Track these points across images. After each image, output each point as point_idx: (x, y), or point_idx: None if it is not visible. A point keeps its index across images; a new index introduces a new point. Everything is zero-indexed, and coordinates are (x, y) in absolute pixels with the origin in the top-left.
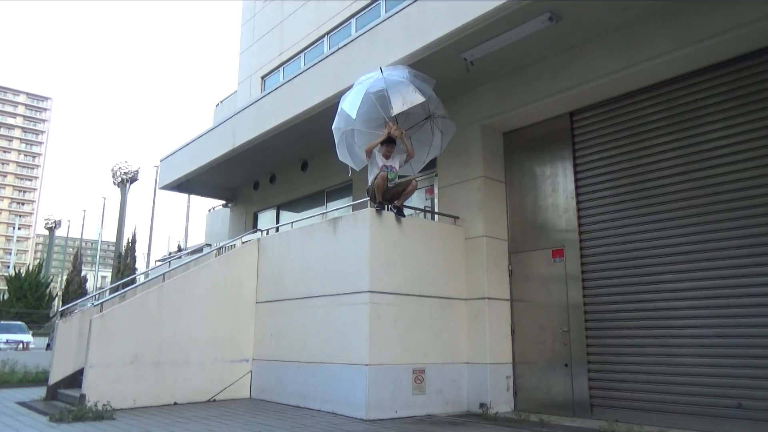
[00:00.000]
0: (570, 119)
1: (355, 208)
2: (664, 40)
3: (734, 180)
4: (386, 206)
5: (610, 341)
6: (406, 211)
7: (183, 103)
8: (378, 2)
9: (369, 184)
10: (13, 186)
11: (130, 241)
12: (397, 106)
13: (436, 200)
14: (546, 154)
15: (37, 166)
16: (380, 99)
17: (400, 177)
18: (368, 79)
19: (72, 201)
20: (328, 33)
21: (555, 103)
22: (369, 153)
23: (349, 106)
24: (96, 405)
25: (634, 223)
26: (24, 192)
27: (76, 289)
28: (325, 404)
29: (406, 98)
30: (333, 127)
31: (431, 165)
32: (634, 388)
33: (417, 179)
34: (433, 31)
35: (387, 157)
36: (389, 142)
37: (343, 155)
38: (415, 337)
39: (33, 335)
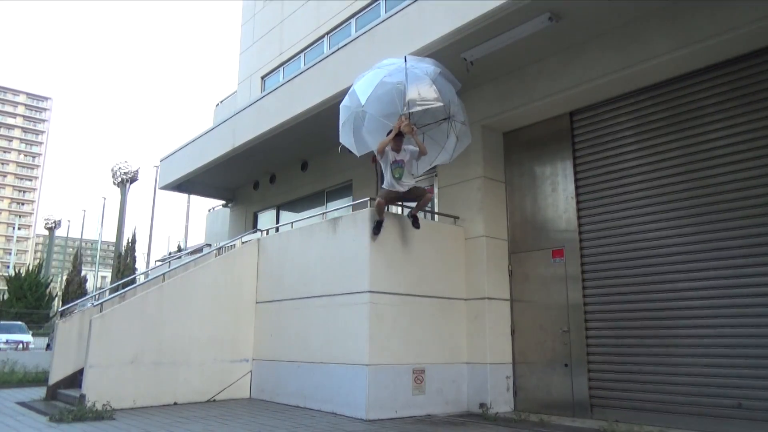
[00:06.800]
0: (570, 119)
1: (355, 208)
2: (664, 40)
3: (734, 180)
4: (382, 225)
5: (610, 341)
6: (405, 211)
7: (183, 103)
8: (378, 2)
9: (381, 182)
10: (13, 186)
11: (130, 241)
12: (412, 105)
13: (436, 200)
14: (546, 154)
15: (37, 166)
16: (398, 90)
17: (412, 177)
18: (390, 65)
19: (72, 201)
20: (328, 33)
21: (555, 103)
22: (382, 152)
23: (362, 89)
24: (96, 405)
25: (634, 223)
26: (24, 192)
27: (76, 289)
28: (325, 404)
29: (424, 97)
30: (341, 104)
31: None
32: (634, 388)
33: (428, 188)
34: (433, 31)
35: (397, 150)
36: (399, 136)
37: (346, 137)
38: (415, 337)
39: (33, 335)
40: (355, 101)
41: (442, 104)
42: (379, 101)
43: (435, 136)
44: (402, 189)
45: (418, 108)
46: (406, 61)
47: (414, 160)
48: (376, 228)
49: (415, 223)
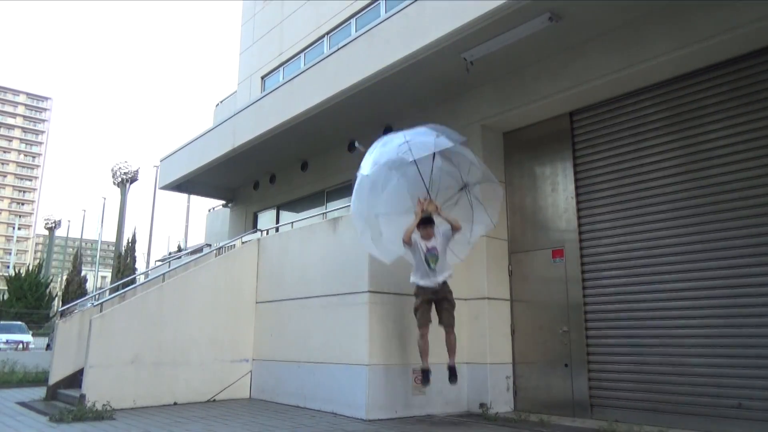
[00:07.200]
0: (570, 119)
1: None
2: (664, 40)
3: (734, 180)
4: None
5: (610, 341)
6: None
7: (183, 103)
8: (378, 2)
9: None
10: (13, 186)
11: (130, 241)
12: (425, 151)
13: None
14: (546, 154)
15: (37, 166)
16: (408, 179)
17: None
18: (385, 145)
19: (72, 201)
20: (328, 33)
21: (555, 103)
22: (409, 241)
23: (364, 167)
24: (96, 405)
25: (634, 223)
26: (24, 192)
27: (76, 289)
28: (325, 404)
29: (437, 143)
30: (352, 211)
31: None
32: (634, 388)
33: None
34: (433, 31)
35: (428, 238)
36: (426, 223)
37: (369, 246)
38: (416, 337)
39: (33, 335)
40: (365, 194)
41: (453, 143)
42: (389, 201)
43: (458, 213)
44: (440, 280)
45: (433, 150)
46: (405, 137)
47: (449, 240)
48: (425, 378)
49: (452, 378)
